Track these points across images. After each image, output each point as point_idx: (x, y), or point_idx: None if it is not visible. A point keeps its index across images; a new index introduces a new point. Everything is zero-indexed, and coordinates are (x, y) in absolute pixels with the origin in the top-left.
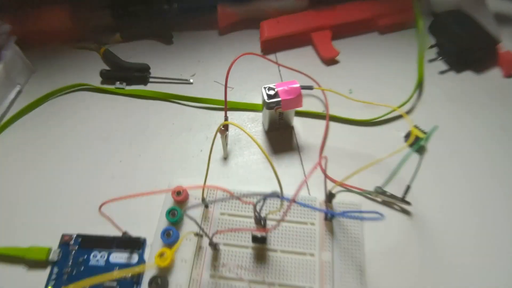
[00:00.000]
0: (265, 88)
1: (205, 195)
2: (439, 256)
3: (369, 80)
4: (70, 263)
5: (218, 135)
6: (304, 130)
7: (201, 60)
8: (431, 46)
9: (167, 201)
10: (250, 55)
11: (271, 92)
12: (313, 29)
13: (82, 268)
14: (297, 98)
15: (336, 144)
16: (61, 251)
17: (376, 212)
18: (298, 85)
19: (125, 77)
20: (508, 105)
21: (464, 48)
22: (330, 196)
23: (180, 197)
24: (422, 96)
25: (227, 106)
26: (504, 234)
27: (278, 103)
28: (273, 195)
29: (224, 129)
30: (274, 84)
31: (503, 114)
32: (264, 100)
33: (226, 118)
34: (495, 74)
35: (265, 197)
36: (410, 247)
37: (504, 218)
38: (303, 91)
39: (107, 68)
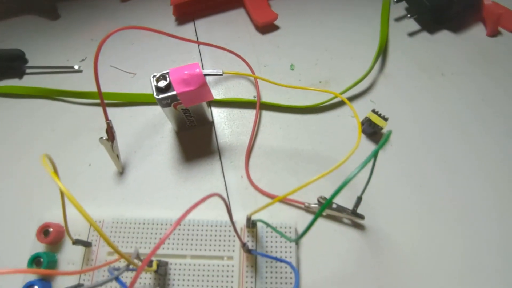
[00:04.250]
0: (154, 77)
1: (82, 230)
2: (396, 273)
3: (317, 50)
4: None
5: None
6: (229, 125)
7: (95, 39)
8: (398, 0)
9: (36, 244)
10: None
11: (163, 84)
12: None
13: None
14: (202, 89)
15: (269, 142)
16: None
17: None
18: (199, 71)
19: None
20: (491, 73)
21: (442, 3)
22: (250, 223)
23: (49, 238)
24: (386, 65)
25: (128, 100)
26: (461, 245)
27: (174, 98)
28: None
29: (106, 138)
30: (166, 71)
31: (485, 85)
32: (154, 95)
33: (107, 122)
34: (476, 33)
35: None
36: (364, 267)
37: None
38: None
39: None
